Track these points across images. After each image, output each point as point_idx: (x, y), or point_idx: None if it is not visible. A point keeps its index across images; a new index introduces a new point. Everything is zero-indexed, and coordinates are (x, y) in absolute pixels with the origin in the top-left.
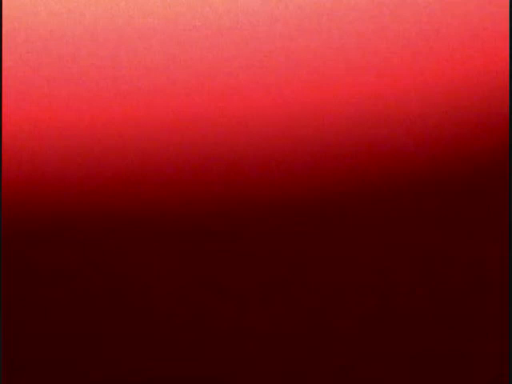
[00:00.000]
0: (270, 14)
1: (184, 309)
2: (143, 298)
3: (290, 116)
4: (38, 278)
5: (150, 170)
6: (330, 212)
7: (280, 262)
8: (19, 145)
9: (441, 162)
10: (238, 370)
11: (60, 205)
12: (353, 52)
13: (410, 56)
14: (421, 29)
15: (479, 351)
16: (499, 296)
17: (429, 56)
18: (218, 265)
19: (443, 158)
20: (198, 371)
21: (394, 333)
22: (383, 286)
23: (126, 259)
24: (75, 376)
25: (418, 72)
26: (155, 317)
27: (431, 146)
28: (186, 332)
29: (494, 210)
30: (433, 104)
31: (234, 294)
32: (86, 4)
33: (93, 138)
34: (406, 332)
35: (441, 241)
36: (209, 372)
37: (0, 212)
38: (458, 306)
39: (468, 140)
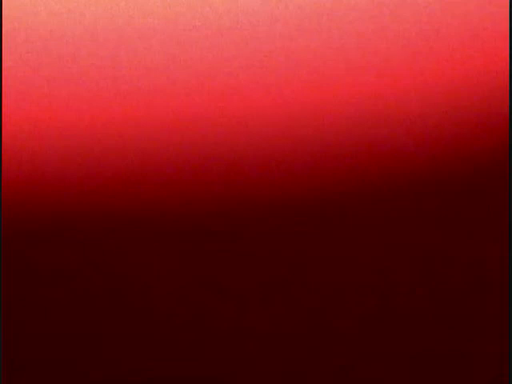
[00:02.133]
0: (270, 13)
1: (184, 309)
2: (143, 298)
3: (289, 116)
4: (38, 277)
5: (150, 169)
6: (330, 212)
7: (280, 262)
8: (19, 145)
9: (441, 162)
10: (238, 370)
11: (60, 205)
12: (353, 52)
13: (410, 56)
14: (421, 29)
15: (479, 351)
16: (499, 296)
17: (429, 56)
18: (218, 265)
19: (443, 158)
20: (197, 371)
21: (393, 333)
22: (383, 286)
23: (126, 259)
24: (75, 376)
25: (418, 72)
26: (155, 317)
27: (431, 146)
28: (186, 332)
29: (494, 210)
30: (433, 104)
31: (234, 294)
32: (86, 4)
33: (93, 138)
34: (406, 332)
35: (441, 241)
36: (209, 372)
37: (0, 212)
38: (458, 305)
39: (468, 140)
